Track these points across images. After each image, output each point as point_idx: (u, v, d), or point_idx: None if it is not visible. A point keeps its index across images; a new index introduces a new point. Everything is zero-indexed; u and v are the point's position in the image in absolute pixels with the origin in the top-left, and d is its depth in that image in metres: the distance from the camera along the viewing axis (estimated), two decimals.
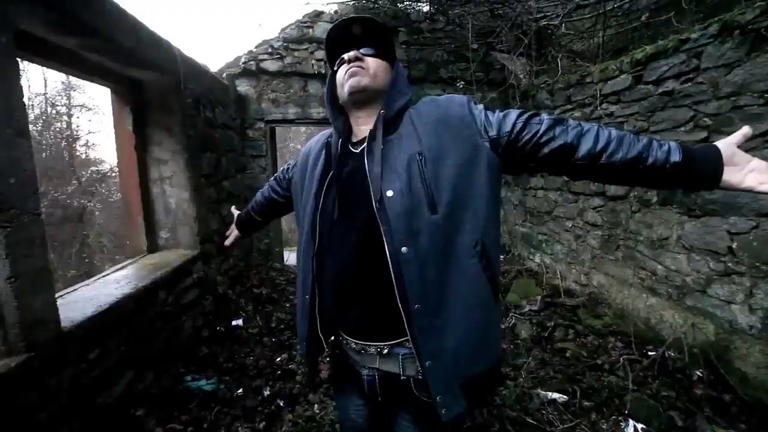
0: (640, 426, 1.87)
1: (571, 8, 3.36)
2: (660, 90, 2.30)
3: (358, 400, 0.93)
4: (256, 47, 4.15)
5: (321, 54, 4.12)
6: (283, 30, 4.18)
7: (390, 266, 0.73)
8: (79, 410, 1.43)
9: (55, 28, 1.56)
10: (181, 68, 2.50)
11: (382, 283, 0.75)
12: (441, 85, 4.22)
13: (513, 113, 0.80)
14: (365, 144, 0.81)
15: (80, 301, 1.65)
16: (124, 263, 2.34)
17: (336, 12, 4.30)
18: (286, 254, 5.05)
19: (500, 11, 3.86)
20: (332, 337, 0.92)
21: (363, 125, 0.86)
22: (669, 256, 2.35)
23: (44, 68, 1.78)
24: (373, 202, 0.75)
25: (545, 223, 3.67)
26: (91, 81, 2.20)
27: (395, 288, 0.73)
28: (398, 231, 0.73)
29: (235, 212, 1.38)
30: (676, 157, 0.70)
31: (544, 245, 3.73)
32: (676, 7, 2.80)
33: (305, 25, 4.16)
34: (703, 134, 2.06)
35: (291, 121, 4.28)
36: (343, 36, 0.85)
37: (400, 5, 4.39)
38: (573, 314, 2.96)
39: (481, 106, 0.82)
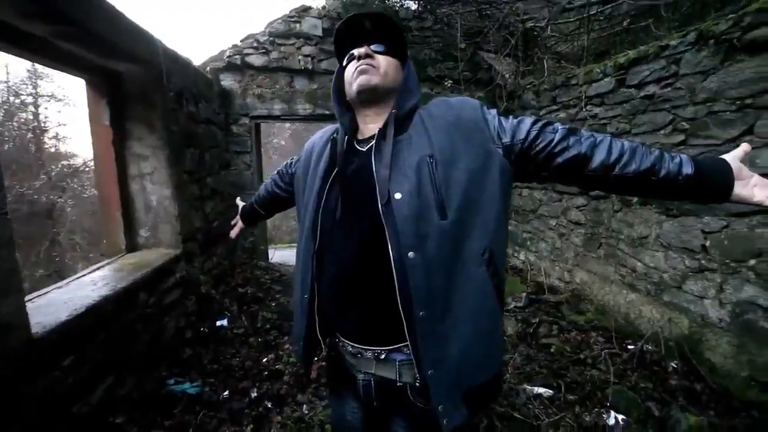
0: (620, 417, 1.95)
1: (557, 11, 3.43)
2: (641, 94, 2.38)
3: (354, 402, 0.92)
4: (241, 41, 4.05)
5: (308, 49, 4.07)
6: (269, 24, 4.08)
7: (393, 270, 0.72)
8: (53, 421, 1.36)
9: (26, 14, 1.46)
10: (163, 61, 2.40)
11: (383, 286, 0.73)
12: (429, 83, 4.24)
13: (527, 121, 0.79)
14: (373, 143, 0.80)
15: (53, 305, 1.56)
16: (102, 263, 2.23)
17: (324, 8, 4.24)
18: (271, 252, 4.95)
19: (488, 12, 3.90)
20: (329, 339, 0.90)
21: (371, 123, 0.85)
22: (648, 254, 2.45)
23: (9, 55, 1.66)
24: (379, 204, 0.73)
25: (530, 222, 3.76)
26: (64, 71, 2.07)
27: (397, 293, 0.72)
28: (405, 235, 0.71)
29: (240, 204, 1.37)
30: (688, 169, 0.71)
31: (528, 243, 3.82)
32: (654, 14, 2.90)
33: (292, 20, 4.09)
34: (681, 137, 2.15)
35: (276, 117, 4.20)
36: (353, 31, 0.83)
37: (388, 2, 4.36)
38: (557, 310, 3.05)
39: (494, 112, 0.81)
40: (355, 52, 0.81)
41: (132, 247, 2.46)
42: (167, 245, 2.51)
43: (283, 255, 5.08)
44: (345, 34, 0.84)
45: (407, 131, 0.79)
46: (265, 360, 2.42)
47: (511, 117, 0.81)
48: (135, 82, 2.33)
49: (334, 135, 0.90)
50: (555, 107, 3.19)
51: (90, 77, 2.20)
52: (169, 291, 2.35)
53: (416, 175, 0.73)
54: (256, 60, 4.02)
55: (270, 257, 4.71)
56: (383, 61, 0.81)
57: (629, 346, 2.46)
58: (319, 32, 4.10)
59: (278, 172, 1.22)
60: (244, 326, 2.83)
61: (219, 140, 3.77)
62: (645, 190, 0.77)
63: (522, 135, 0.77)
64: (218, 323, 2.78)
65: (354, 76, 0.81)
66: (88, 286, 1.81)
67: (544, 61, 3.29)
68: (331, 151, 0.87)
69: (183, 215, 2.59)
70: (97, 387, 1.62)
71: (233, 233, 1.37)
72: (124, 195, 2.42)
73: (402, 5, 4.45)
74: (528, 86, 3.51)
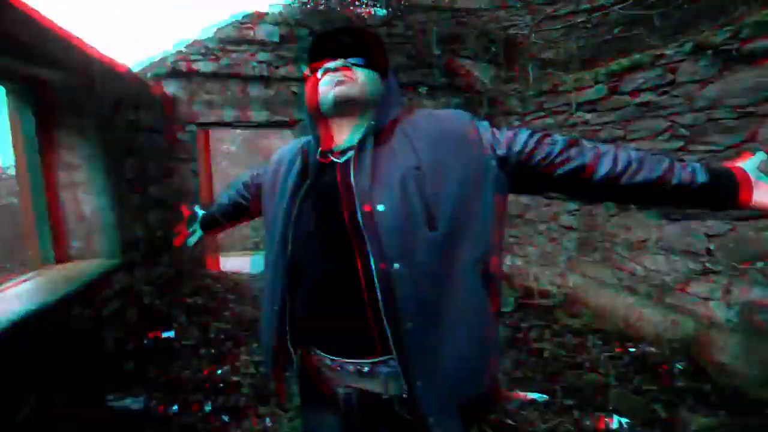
0: (624, 420, 1.91)
1: (541, 19, 3.46)
2: (637, 100, 2.43)
3: (330, 416, 0.89)
4: (186, 47, 3.75)
5: (263, 56, 3.88)
6: (219, 30, 3.81)
7: (376, 282, 0.70)
8: None
9: None
10: (95, 67, 2.26)
11: (364, 300, 0.72)
12: (401, 90, 4.07)
13: (523, 132, 0.78)
14: (350, 153, 0.78)
15: None
16: (27, 275, 2.09)
17: (281, 14, 3.96)
18: (222, 260, 4.68)
19: (465, 19, 3.84)
20: (301, 350, 0.87)
21: (346, 135, 0.81)
22: (648, 257, 2.49)
23: None
24: (359, 215, 0.71)
25: (516, 226, 3.75)
26: None
27: (382, 305, 0.70)
28: (390, 247, 0.69)
29: (199, 211, 1.34)
30: (702, 177, 0.71)
31: (515, 247, 3.80)
32: (645, 23, 3.00)
33: (245, 26, 3.86)
34: (680, 143, 2.22)
35: (228, 124, 3.94)
36: (329, 44, 0.80)
37: (356, 9, 4.13)
38: (548, 315, 3.03)
39: (486, 123, 0.80)
40: (331, 64, 0.78)
41: (62, 258, 2.33)
42: (105, 255, 2.41)
43: (236, 263, 4.82)
44: (320, 48, 0.82)
45: (388, 143, 0.78)
46: (219, 372, 2.31)
47: (505, 129, 0.80)
48: (63, 89, 2.16)
49: (304, 147, 0.88)
50: (542, 113, 3.21)
51: (11, 85, 2.04)
52: (106, 302, 2.27)
53: (401, 187, 0.71)
54: (205, 66, 3.79)
55: (221, 266, 4.49)
56: (361, 74, 0.78)
57: (630, 349, 2.48)
58: (276, 38, 3.90)
59: (243, 183, 1.20)
60: (194, 337, 2.69)
61: (163, 148, 3.53)
62: (656, 199, 0.78)
63: (518, 146, 0.76)
64: (164, 335, 2.65)
65: (329, 87, 0.78)
66: (11, 300, 1.73)
67: (530, 68, 3.29)
68: (302, 162, 0.85)
69: (122, 225, 2.49)
70: (19, 409, 1.51)
71: (192, 241, 1.34)
72: (53, 205, 2.26)
73: (370, 12, 4.25)
74: (512, 92, 3.50)
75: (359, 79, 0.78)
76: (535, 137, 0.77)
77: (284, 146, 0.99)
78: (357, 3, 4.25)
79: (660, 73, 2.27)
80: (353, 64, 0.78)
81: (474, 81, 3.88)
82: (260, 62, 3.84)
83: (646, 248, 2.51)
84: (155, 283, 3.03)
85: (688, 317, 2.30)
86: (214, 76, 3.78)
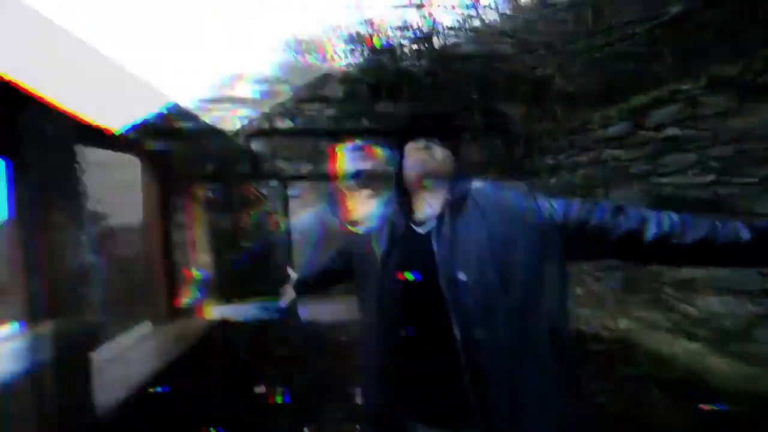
0: None
1: (562, 61, 3.59)
2: (662, 135, 2.38)
3: None
4: (270, 109, 4.48)
5: (331, 111, 4.41)
6: (295, 93, 4.52)
7: (460, 350, 0.74)
8: None
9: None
10: (208, 136, 2.69)
11: (452, 366, 0.75)
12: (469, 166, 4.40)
13: (575, 202, 0.84)
14: (432, 225, 0.86)
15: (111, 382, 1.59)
16: (148, 330, 2.33)
17: (343, 74, 4.65)
18: (301, 309, 4.46)
19: (497, 65, 4.13)
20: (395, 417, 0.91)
21: (428, 207, 0.91)
22: (700, 298, 2.28)
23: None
24: (444, 285, 0.78)
25: None
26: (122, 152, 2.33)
27: (468, 373, 0.74)
28: (472, 316, 0.75)
29: (292, 273, 1.42)
30: (745, 234, 0.71)
31: None
32: (658, 56, 2.94)
33: (315, 86, 4.51)
34: (711, 177, 2.10)
35: (303, 177, 4.48)
36: (413, 127, 0.95)
37: (402, 63, 4.73)
38: (604, 362, 2.81)
39: (541, 195, 0.87)
40: (414, 144, 0.92)
41: (174, 312, 2.56)
42: (209, 309, 2.61)
43: (314, 310, 4.80)
44: (405, 130, 0.96)
45: (463, 214, 0.85)
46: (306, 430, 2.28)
47: (560, 199, 0.86)
48: (182, 157, 2.59)
49: (393, 218, 0.96)
50: (573, 151, 3.22)
51: (143, 157, 2.46)
52: (209, 358, 2.38)
53: (478, 257, 0.78)
54: (284, 124, 4.37)
55: (301, 314, 4.48)
56: (440, 153, 0.91)
57: (701, 405, 2.18)
58: (341, 95, 4.48)
59: (336, 251, 1.29)
60: (279, 392, 2.68)
61: (250, 201, 4.00)
62: (704, 260, 0.79)
63: (573, 216, 0.81)
64: (254, 390, 2.67)
65: (413, 165, 0.91)
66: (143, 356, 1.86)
67: (557, 107, 3.39)
68: (389, 232, 0.94)
69: (223, 278, 2.73)
70: None
71: (284, 303, 1.41)
72: (171, 260, 2.57)
73: (414, 65, 4.79)
74: (543, 132, 3.59)
75: (438, 158, 0.90)
76: (586, 207, 0.81)
77: (373, 214, 1.08)
78: (404, 58, 4.85)
79: (681, 108, 2.22)
80: (432, 143, 0.90)
81: (509, 122, 4.04)
82: (329, 117, 4.35)
83: (696, 288, 2.30)
84: (244, 336, 3.15)
85: (761, 368, 2.01)
86: (291, 132, 4.32)
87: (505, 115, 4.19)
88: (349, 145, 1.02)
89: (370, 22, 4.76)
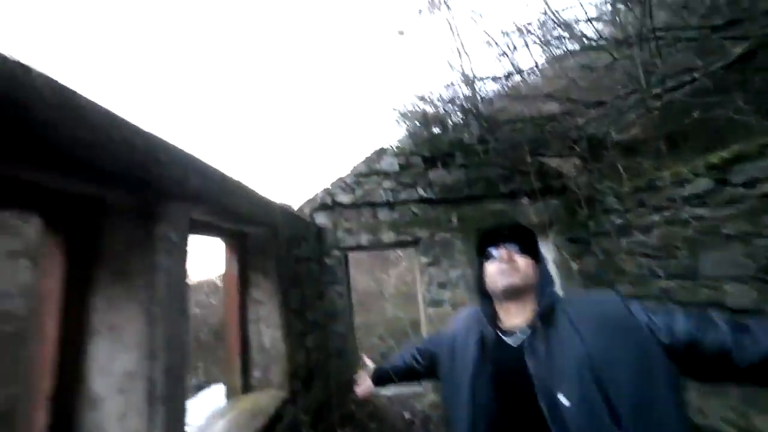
0: None
1: (615, 118, 3.50)
2: (757, 192, 2.13)
3: None
4: (331, 184, 4.90)
5: (388, 184, 4.72)
6: (354, 168, 4.94)
7: None
8: None
9: (217, 213, 2.04)
10: (278, 217, 2.94)
11: None
12: (502, 200, 4.40)
13: (679, 316, 0.76)
14: (522, 337, 0.84)
15: None
16: (221, 408, 2.43)
17: (398, 147, 5.00)
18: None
19: (548, 127, 4.16)
20: None
21: (514, 318, 0.90)
22: None
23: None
24: (545, 408, 0.73)
25: None
26: (211, 236, 2.70)
27: None
28: None
29: (369, 363, 1.44)
30: None
31: None
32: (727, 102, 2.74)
33: (372, 160, 4.91)
34: None
35: (364, 247, 4.65)
36: (492, 235, 0.98)
37: (453, 133, 4.98)
38: None
39: (638, 305, 0.79)
40: (496, 253, 0.94)
41: (246, 387, 2.66)
42: (276, 386, 2.65)
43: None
44: (485, 238, 0.99)
45: (554, 327, 0.81)
46: None
47: (660, 310, 0.78)
48: (256, 238, 2.85)
49: (482, 330, 0.94)
50: (644, 210, 2.98)
51: (227, 239, 2.75)
52: None
53: (578, 378, 0.72)
54: (344, 198, 4.74)
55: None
56: (522, 262, 0.91)
57: None
58: (396, 168, 4.81)
59: (417, 349, 1.29)
60: None
61: (315, 274, 4.20)
62: None
63: (683, 335, 0.73)
64: None
65: (497, 275, 0.92)
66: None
67: (618, 165, 3.24)
68: (479, 341, 0.92)
69: (290, 354, 2.78)
70: None
71: (362, 392, 1.42)
72: (243, 338, 2.72)
73: (466, 132, 5.01)
74: (607, 190, 3.41)
75: (521, 267, 0.90)
76: (696, 322, 0.73)
77: (455, 319, 1.08)
78: (456, 128, 5.10)
79: None
80: (512, 251, 0.91)
81: (567, 182, 3.92)
82: (385, 189, 4.65)
83: None
84: (310, 411, 3.11)
85: None
86: (351, 205, 4.63)
87: (561, 175, 4.10)
88: (491, 252, 1.04)
89: (421, 97, 5.20)
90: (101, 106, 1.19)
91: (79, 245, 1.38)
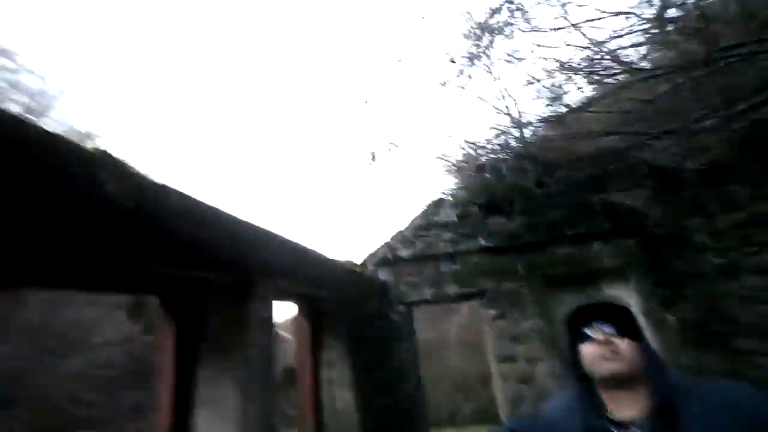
0: None
1: (687, 146, 3.19)
2: None
3: None
4: (391, 239, 4.98)
5: (448, 235, 4.68)
6: (411, 222, 5.00)
7: None
8: None
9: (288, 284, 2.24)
10: (346, 279, 3.13)
11: None
12: (569, 244, 4.15)
13: None
14: (640, 430, 0.76)
15: None
16: None
17: (454, 197, 5.05)
18: None
19: (611, 163, 3.94)
20: None
21: (626, 409, 0.81)
22: None
23: None
24: None
25: None
26: (285, 301, 2.90)
27: None
28: None
29: None
30: None
31: None
32: None
33: (430, 213, 4.93)
34: None
35: (428, 301, 4.59)
36: (586, 314, 0.90)
37: (509, 179, 4.93)
38: None
39: None
40: (595, 336, 0.85)
41: None
42: None
43: None
44: (577, 317, 0.91)
45: (682, 418, 0.74)
46: None
47: None
48: (326, 300, 2.99)
49: (582, 417, 0.85)
50: (751, 248, 2.59)
51: (300, 302, 2.95)
52: None
53: None
54: (405, 252, 4.76)
55: None
56: (624, 346, 0.82)
57: None
58: (455, 219, 4.79)
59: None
60: None
61: (380, 330, 4.20)
62: None
63: None
64: None
65: (597, 359, 0.83)
66: None
67: (701, 195, 2.90)
68: None
69: (361, 418, 2.77)
70: None
71: None
72: (316, 400, 2.79)
73: (521, 177, 4.91)
74: (696, 227, 3.05)
75: (623, 351, 0.81)
76: None
77: (550, 404, 0.99)
78: (511, 173, 5.03)
79: None
80: (608, 333, 0.83)
81: (642, 219, 3.57)
82: (445, 241, 4.57)
83: None
84: None
85: None
86: (412, 259, 4.56)
87: (634, 212, 3.78)
88: (586, 332, 0.96)
89: (471, 145, 5.28)
90: (214, 207, 1.47)
91: (188, 322, 1.62)
